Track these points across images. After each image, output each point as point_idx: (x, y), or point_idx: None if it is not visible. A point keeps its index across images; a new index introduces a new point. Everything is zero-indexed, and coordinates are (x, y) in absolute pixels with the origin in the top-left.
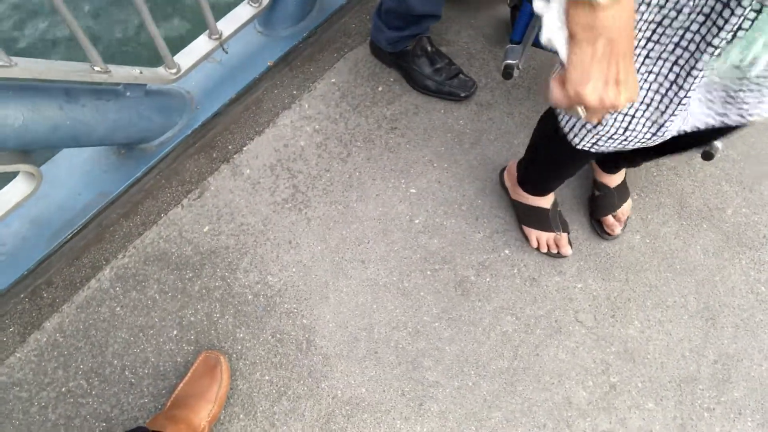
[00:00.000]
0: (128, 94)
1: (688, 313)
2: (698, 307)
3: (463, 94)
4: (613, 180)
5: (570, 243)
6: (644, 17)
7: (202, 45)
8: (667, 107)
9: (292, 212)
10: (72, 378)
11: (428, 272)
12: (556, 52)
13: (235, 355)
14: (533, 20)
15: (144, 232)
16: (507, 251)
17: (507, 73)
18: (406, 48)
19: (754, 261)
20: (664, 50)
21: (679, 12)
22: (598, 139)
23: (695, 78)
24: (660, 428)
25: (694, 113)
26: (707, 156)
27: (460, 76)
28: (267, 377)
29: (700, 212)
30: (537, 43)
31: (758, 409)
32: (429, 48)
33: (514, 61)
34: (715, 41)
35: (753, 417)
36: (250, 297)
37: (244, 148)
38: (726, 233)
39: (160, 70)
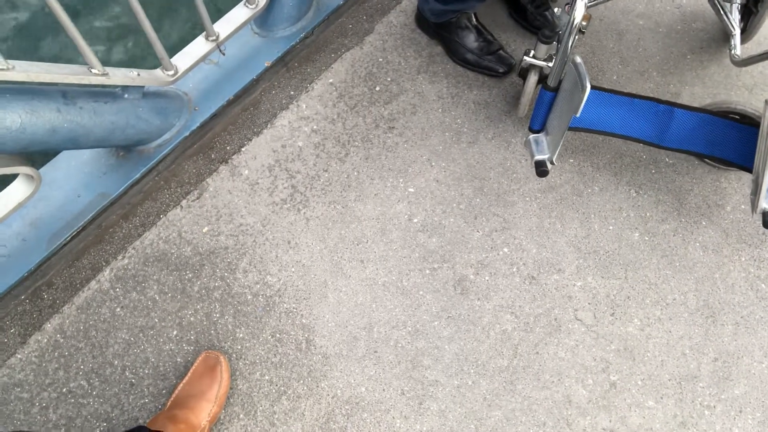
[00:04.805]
0: (126, 96)
1: (687, 311)
2: (698, 304)
3: (501, 70)
4: None
5: None
6: None
7: (199, 47)
8: None
9: (290, 212)
10: (73, 378)
11: (427, 271)
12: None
13: (234, 355)
14: (556, 107)
15: (143, 234)
16: (506, 249)
17: (541, 171)
18: (450, 19)
19: (753, 258)
20: None
21: None
22: None
23: None
24: (660, 426)
25: None
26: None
27: (500, 52)
28: (267, 377)
29: (699, 209)
30: (572, 127)
31: (759, 407)
32: (473, 21)
33: (544, 157)
34: None
35: (754, 414)
36: (249, 297)
37: (243, 149)
38: (725, 230)
39: (158, 72)
